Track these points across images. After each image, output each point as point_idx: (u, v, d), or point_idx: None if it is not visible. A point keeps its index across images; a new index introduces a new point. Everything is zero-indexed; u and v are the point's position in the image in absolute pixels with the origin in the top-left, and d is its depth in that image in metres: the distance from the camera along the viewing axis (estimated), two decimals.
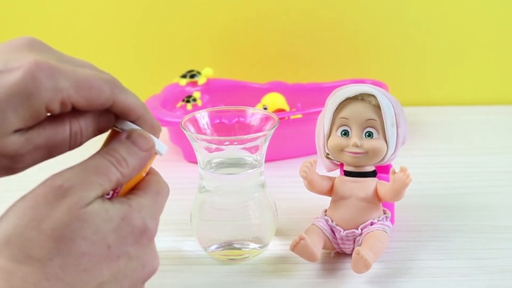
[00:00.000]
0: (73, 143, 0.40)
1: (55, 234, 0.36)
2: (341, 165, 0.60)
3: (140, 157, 0.40)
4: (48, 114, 0.38)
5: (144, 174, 0.42)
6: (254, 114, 0.59)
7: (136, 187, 0.41)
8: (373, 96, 0.57)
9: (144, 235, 0.39)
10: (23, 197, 0.37)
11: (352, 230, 0.57)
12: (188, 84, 0.90)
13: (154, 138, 0.42)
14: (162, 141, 0.44)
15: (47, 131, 0.38)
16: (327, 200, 0.59)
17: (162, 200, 0.42)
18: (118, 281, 0.38)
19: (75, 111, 0.39)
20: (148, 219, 0.40)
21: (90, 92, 0.38)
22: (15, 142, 0.37)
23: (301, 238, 0.54)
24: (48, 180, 0.37)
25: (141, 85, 1.01)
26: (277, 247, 0.60)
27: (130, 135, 0.40)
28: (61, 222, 0.36)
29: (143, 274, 0.40)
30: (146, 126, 0.42)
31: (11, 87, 0.36)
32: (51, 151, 0.39)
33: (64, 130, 0.39)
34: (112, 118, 0.41)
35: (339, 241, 0.58)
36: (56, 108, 0.37)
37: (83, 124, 0.40)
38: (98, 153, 0.39)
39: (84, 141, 0.41)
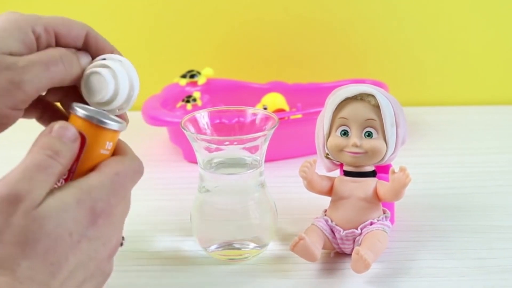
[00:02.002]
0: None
1: (19, 241, 0.36)
2: (341, 165, 0.60)
3: (70, 148, 0.40)
4: (36, 41, 0.43)
5: (106, 152, 0.42)
6: (254, 114, 0.59)
7: (93, 168, 0.42)
8: (373, 96, 0.57)
9: (96, 216, 0.40)
10: None
11: (352, 230, 0.57)
12: (188, 84, 0.90)
13: (96, 110, 0.43)
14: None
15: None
16: (327, 200, 0.59)
17: (124, 181, 0.42)
18: (84, 265, 0.39)
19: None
20: (99, 201, 0.40)
21: (64, 21, 0.44)
22: None
23: (301, 238, 0.54)
24: None
25: (141, 85, 1.01)
26: (277, 247, 0.60)
27: (51, 128, 0.41)
28: (22, 228, 0.37)
29: (106, 251, 0.41)
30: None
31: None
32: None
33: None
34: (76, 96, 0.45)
35: (339, 241, 0.58)
36: (41, 32, 0.42)
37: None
38: (33, 149, 0.40)
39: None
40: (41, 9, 0.99)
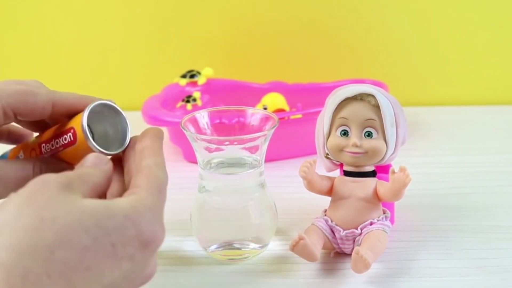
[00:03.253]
0: None
1: (56, 223, 0.34)
2: (341, 165, 0.60)
3: (102, 172, 0.42)
4: None
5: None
6: (254, 114, 0.59)
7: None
8: (373, 96, 0.57)
9: (151, 242, 0.38)
10: (16, 193, 0.36)
11: (352, 230, 0.57)
12: (188, 84, 0.90)
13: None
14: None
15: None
16: (327, 200, 0.59)
17: (164, 197, 0.42)
18: (117, 284, 0.37)
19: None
20: (156, 224, 0.39)
21: (27, 96, 0.45)
22: None
23: (301, 238, 0.54)
24: (37, 177, 0.37)
25: (141, 85, 1.01)
26: (277, 247, 0.60)
27: (82, 164, 0.43)
28: (61, 211, 0.35)
29: (141, 278, 0.39)
30: None
31: None
32: None
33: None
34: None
35: (339, 241, 0.58)
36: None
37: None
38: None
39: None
40: (40, 8, 0.99)
